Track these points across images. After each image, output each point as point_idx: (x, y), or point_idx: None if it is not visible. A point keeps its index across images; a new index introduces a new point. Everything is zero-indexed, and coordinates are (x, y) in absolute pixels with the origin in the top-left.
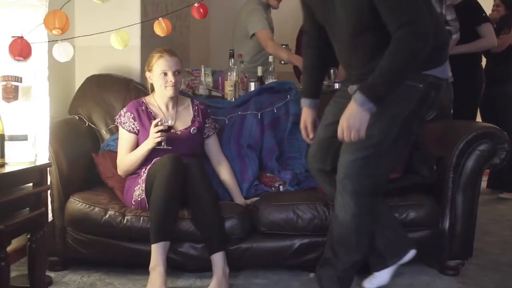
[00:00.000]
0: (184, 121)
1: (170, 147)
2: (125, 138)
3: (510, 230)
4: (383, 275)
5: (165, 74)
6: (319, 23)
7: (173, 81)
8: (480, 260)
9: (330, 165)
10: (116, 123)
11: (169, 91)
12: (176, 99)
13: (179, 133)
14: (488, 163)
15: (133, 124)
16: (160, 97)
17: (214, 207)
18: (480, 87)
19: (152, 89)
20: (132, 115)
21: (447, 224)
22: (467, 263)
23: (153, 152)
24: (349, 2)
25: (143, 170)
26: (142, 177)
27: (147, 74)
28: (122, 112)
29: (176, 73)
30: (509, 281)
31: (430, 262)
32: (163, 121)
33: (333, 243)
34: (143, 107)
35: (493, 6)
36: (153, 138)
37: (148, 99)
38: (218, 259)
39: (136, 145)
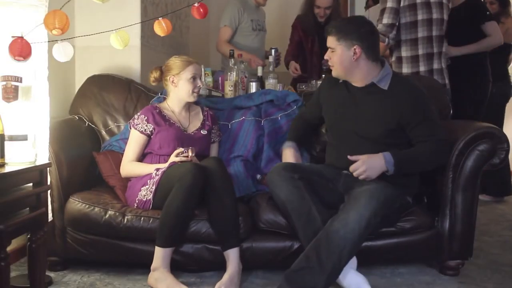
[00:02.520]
0: (195, 123)
1: None
2: (135, 139)
3: (509, 230)
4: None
5: (194, 79)
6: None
7: (201, 85)
8: (480, 260)
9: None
10: (129, 127)
11: (195, 96)
12: (189, 104)
13: (192, 134)
14: (487, 163)
15: (146, 125)
16: (177, 101)
17: (233, 202)
18: (486, 86)
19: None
20: (146, 117)
21: (447, 224)
22: (467, 263)
23: (167, 157)
24: (377, 115)
25: (154, 171)
26: (154, 179)
27: (172, 78)
28: (136, 116)
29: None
30: (509, 281)
31: (430, 262)
32: (184, 151)
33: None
34: (157, 110)
35: (487, 3)
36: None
37: (161, 104)
38: (233, 255)
39: (145, 147)
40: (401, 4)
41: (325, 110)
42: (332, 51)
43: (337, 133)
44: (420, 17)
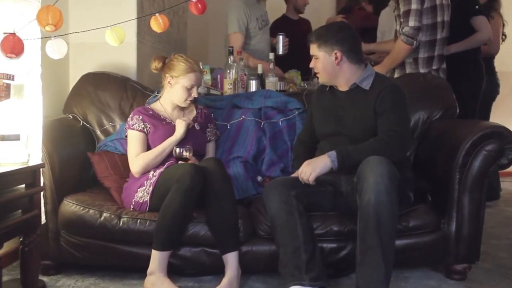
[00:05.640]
0: None
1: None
2: (136, 138)
3: None
4: None
5: (191, 88)
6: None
7: (196, 96)
8: (487, 264)
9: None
10: (125, 129)
11: (186, 103)
12: None
13: (197, 128)
14: (495, 163)
15: (143, 124)
16: (170, 101)
17: (232, 206)
18: (480, 84)
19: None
20: (141, 117)
21: (453, 227)
22: (474, 267)
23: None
24: (357, 114)
25: (151, 172)
26: (151, 180)
27: (169, 78)
28: (129, 118)
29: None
30: None
31: (435, 266)
32: (181, 151)
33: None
34: (150, 112)
35: None
36: (182, 126)
37: (153, 105)
38: (232, 259)
39: (147, 145)
40: (424, 6)
41: (314, 117)
42: (316, 58)
43: (324, 136)
44: (439, 19)
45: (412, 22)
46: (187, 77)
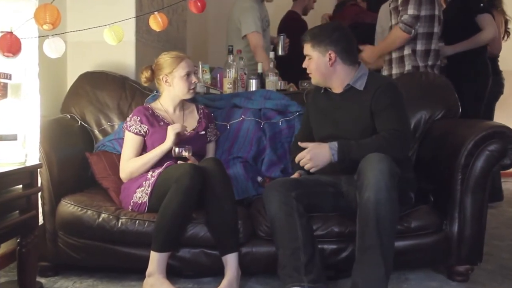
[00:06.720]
0: (190, 122)
1: (186, 155)
2: (130, 141)
3: None
4: None
5: (189, 75)
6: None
7: (196, 81)
8: (490, 265)
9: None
10: (123, 129)
11: (191, 93)
12: (183, 102)
13: (187, 134)
14: (498, 163)
15: (140, 126)
16: (171, 100)
17: (232, 206)
18: (484, 84)
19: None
20: (139, 118)
21: (455, 228)
22: (477, 268)
23: (164, 157)
24: (353, 115)
25: (150, 173)
26: (150, 180)
27: (165, 78)
28: (128, 118)
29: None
30: None
31: (437, 267)
32: (179, 151)
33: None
34: (150, 111)
35: None
36: (171, 138)
37: (154, 104)
38: (231, 260)
39: (142, 148)
40: None
41: (311, 119)
42: (309, 59)
43: (321, 139)
44: (436, 12)
45: (411, 10)
46: (179, 67)
